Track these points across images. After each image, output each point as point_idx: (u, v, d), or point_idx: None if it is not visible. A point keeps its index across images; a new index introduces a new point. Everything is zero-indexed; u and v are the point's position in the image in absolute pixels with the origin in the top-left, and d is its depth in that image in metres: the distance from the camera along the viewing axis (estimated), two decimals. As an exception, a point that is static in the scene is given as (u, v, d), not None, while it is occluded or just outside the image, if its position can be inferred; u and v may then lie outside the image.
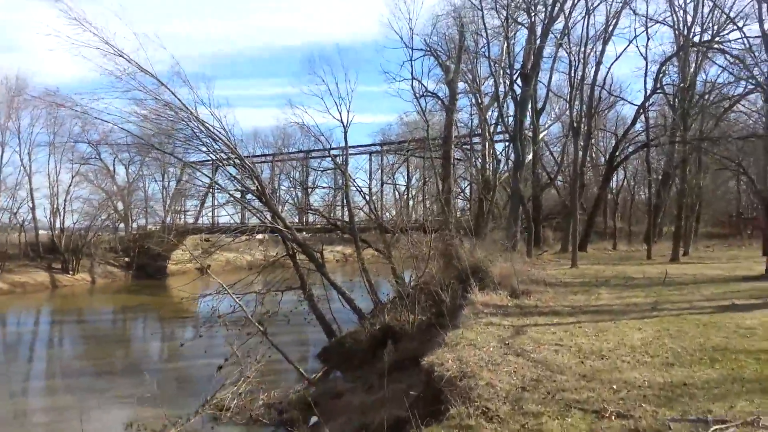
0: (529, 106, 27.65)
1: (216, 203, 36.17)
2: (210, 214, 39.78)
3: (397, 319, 16.54)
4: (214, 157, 19.22)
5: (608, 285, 15.45)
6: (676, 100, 29.69)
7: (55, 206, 45.52)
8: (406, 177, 41.03)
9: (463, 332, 8.89)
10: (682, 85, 28.03)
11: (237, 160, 18.95)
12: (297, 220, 36.04)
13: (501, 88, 28.18)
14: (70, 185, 45.22)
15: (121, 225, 50.37)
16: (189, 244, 43.92)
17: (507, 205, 29.15)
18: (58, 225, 45.46)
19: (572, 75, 27.14)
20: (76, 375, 18.42)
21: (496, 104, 28.24)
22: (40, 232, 45.97)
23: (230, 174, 20.07)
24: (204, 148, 18.75)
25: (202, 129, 17.70)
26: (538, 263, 22.67)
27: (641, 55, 31.26)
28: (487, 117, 29.71)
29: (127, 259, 47.51)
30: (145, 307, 34.54)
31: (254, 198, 19.81)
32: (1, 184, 43.17)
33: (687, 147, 25.13)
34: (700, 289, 14.18)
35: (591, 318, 10.25)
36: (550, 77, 32.91)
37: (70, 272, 43.30)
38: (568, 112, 31.86)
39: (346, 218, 25.08)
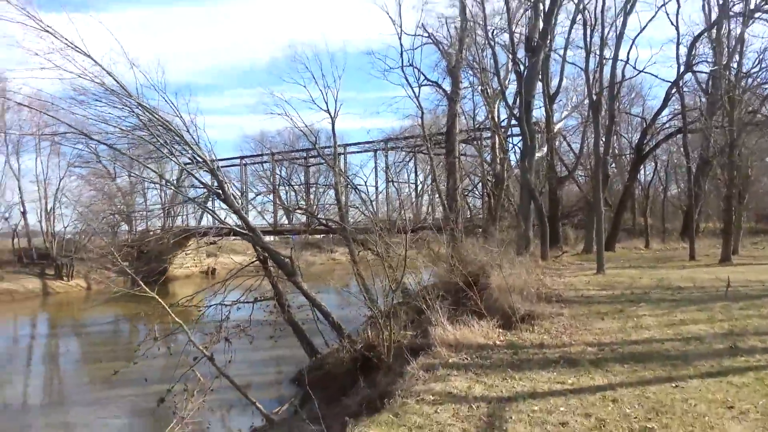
0: (541, 88, 24.50)
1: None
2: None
3: (378, 338, 13.60)
4: (165, 152, 16.45)
5: (649, 300, 11.54)
6: (712, 79, 26.26)
7: (47, 210, 43.44)
8: (414, 174, 38.77)
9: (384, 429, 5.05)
10: (716, 67, 24.54)
11: (195, 155, 16.24)
12: (304, 221, 33.53)
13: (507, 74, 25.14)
14: (57, 189, 43.23)
15: (120, 229, 48.30)
16: (191, 247, 42.42)
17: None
18: (51, 229, 43.35)
19: (588, 43, 24.09)
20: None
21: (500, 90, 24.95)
22: (35, 237, 44.04)
23: (187, 171, 17.43)
24: (156, 141, 16.06)
25: (149, 116, 14.95)
26: (554, 267, 19.50)
27: (672, 24, 28.01)
28: (496, 106, 26.41)
29: (125, 263, 45.17)
30: (139, 316, 31.94)
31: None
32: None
33: (734, 130, 21.41)
34: (786, 308, 10.21)
35: (632, 374, 6.44)
36: (565, 52, 29.39)
37: (64, 278, 41.30)
38: (586, 101, 28.60)
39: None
